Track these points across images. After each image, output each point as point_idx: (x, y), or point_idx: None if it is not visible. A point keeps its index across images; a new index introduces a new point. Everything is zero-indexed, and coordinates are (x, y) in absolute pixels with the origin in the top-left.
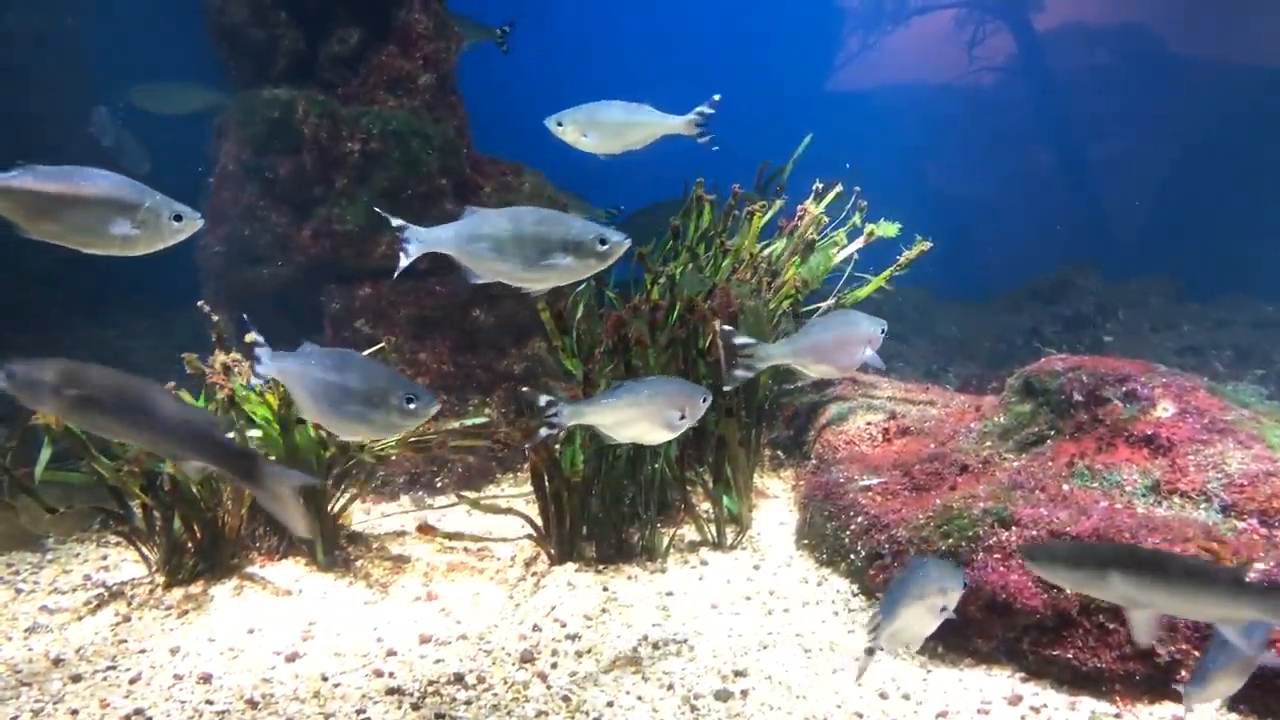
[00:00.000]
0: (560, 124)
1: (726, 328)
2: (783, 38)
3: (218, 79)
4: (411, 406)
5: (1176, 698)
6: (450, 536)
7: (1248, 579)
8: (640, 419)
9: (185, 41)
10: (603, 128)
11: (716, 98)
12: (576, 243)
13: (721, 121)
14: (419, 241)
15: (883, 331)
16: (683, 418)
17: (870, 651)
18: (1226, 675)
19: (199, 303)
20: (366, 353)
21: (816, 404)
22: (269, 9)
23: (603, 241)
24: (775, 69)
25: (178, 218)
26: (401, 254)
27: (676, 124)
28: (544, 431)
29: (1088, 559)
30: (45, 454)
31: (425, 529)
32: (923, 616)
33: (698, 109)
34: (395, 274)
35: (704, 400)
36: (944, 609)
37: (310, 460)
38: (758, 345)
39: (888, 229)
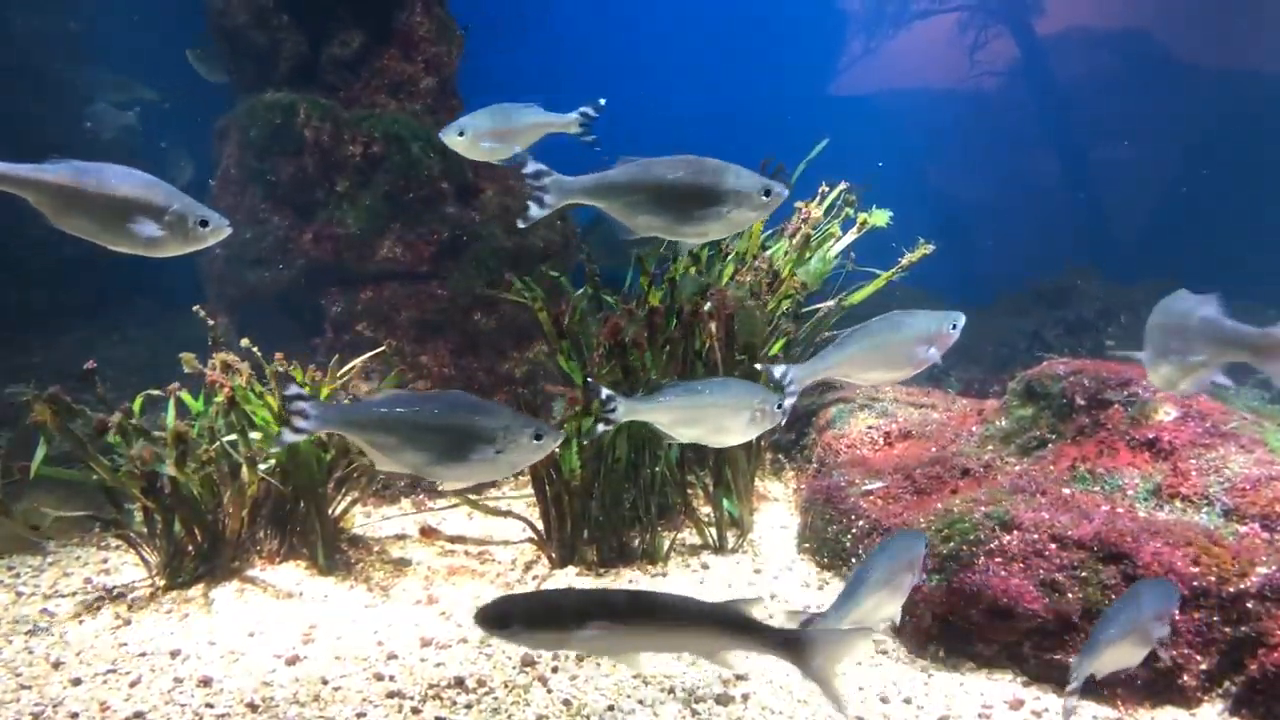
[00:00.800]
0: (461, 133)
1: (773, 368)
2: (786, 41)
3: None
4: (539, 442)
5: (1178, 702)
6: (453, 540)
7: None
8: (702, 420)
9: (188, 44)
10: (501, 131)
11: (602, 101)
12: (740, 193)
13: (724, 124)
14: (561, 191)
15: (955, 327)
16: (753, 422)
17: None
18: (1117, 648)
19: (194, 307)
20: (367, 355)
21: (817, 407)
22: (271, 12)
23: (767, 192)
24: (778, 72)
25: (204, 223)
26: (533, 204)
27: (562, 122)
28: (600, 427)
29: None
30: (41, 452)
31: (428, 532)
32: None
33: (581, 109)
34: (524, 225)
35: (778, 407)
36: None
37: (311, 463)
38: (789, 368)
39: (879, 217)
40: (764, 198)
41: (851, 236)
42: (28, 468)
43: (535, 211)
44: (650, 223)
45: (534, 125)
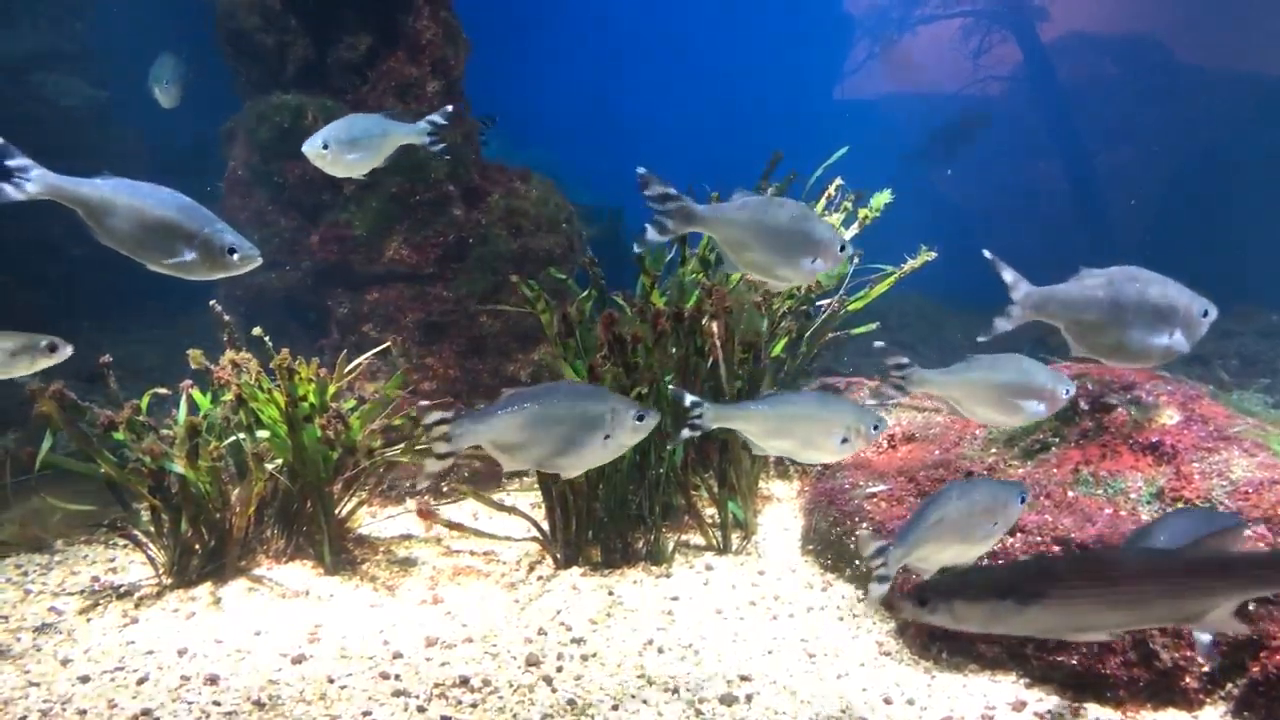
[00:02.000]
0: (325, 147)
1: (888, 388)
2: (791, 46)
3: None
4: (641, 422)
5: (1180, 704)
6: (452, 527)
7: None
8: (792, 433)
9: (190, 47)
10: (360, 144)
11: (450, 108)
12: (825, 245)
13: (727, 128)
14: (685, 218)
15: (1067, 393)
16: (846, 441)
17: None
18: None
19: (211, 302)
20: (372, 352)
21: None
22: (279, 15)
23: (842, 248)
24: (782, 76)
25: (231, 250)
26: (653, 228)
27: (414, 133)
28: (685, 433)
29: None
30: (46, 443)
31: (426, 514)
32: (961, 544)
33: (429, 118)
34: (640, 249)
35: (875, 426)
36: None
37: (318, 460)
38: (913, 368)
39: (879, 199)
40: (840, 252)
41: (854, 231)
42: (34, 453)
43: (653, 235)
44: (755, 260)
45: (387, 138)
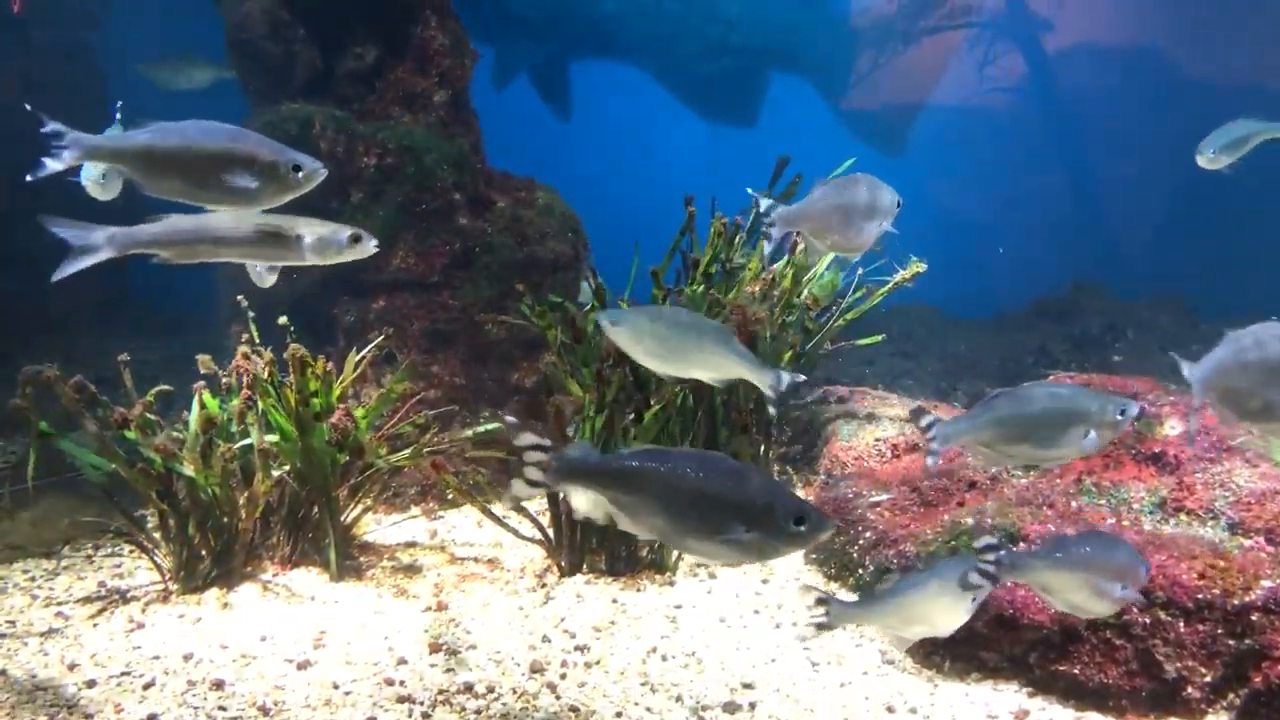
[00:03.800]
0: (103, 175)
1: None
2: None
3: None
4: (800, 529)
5: (1182, 714)
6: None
7: None
8: (1082, 588)
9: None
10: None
11: (120, 103)
12: (888, 207)
13: (730, 133)
14: (784, 222)
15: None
16: (1125, 589)
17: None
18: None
19: (238, 296)
20: (372, 346)
21: (825, 420)
22: (287, 25)
23: (899, 203)
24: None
25: (296, 168)
26: (765, 240)
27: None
28: (975, 581)
29: None
30: (33, 457)
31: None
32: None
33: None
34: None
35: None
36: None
37: (325, 463)
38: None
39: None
40: (896, 207)
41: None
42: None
43: (768, 246)
44: (836, 240)
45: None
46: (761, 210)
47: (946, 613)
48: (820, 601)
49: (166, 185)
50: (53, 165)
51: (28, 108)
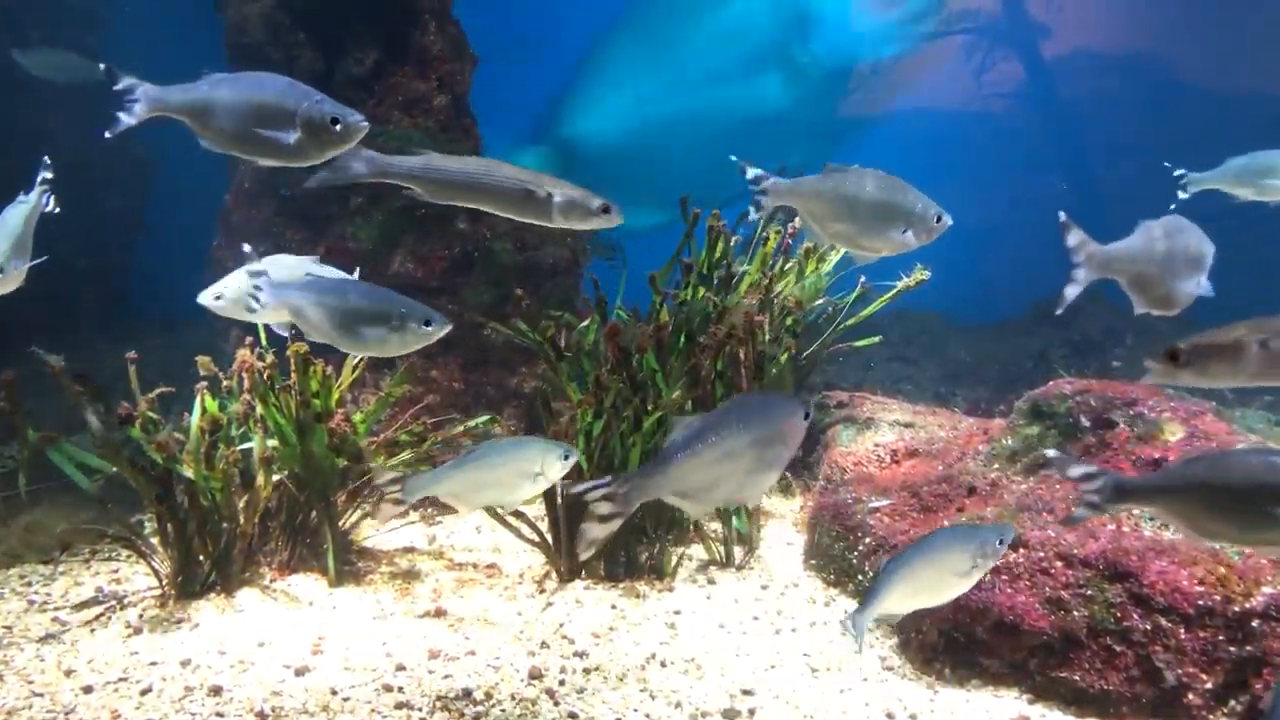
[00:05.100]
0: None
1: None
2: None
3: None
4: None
5: None
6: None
7: None
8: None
9: (200, 60)
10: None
11: (47, 159)
12: (917, 215)
13: (732, 137)
14: (777, 194)
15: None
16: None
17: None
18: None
19: (248, 340)
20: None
21: (825, 425)
22: (287, 29)
23: (939, 218)
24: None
25: (334, 120)
26: (753, 208)
27: (38, 204)
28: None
29: None
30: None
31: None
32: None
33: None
34: (752, 221)
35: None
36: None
37: (325, 467)
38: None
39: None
40: (936, 223)
41: (838, 254)
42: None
43: (754, 214)
44: (840, 231)
45: (26, 223)
46: (749, 178)
47: (950, 572)
48: (843, 624)
49: (222, 139)
50: (126, 120)
51: (101, 66)
